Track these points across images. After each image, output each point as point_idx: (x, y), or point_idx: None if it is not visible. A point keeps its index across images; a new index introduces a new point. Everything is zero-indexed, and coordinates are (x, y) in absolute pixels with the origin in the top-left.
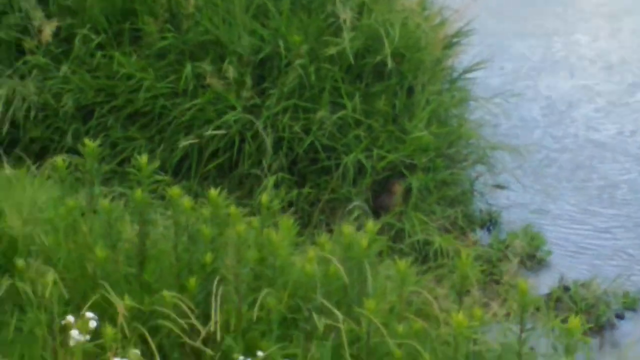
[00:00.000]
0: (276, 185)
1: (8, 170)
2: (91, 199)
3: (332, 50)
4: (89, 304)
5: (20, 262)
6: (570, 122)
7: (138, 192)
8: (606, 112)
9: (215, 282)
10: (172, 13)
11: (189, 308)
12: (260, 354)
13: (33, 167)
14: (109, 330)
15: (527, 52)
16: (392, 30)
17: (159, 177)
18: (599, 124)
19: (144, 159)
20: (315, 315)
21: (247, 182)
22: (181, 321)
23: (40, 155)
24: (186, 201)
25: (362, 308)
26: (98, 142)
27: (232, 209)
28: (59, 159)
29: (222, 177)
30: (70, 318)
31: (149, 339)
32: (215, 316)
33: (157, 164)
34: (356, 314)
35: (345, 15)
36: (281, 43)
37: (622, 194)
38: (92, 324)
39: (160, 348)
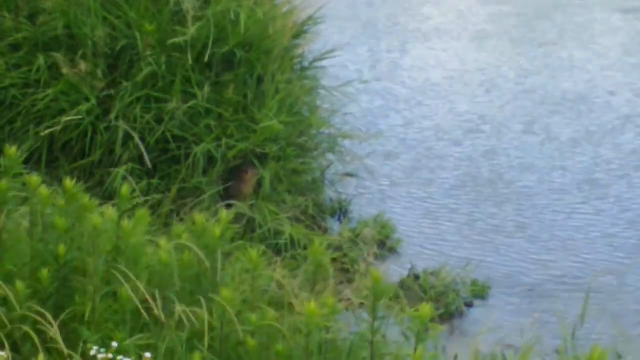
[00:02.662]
0: (126, 176)
1: None
2: None
3: (178, 39)
4: None
5: None
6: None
7: (3, 182)
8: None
9: None
10: (29, 8)
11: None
12: (114, 344)
13: None
14: None
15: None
16: (239, 19)
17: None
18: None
19: (12, 148)
20: (169, 305)
21: (98, 172)
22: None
23: None
24: (43, 190)
25: (217, 297)
26: None
27: (85, 199)
28: None
29: (72, 166)
30: None
31: None
32: None
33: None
34: (210, 304)
35: (188, 4)
36: (135, 33)
37: (469, 180)
38: None
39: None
